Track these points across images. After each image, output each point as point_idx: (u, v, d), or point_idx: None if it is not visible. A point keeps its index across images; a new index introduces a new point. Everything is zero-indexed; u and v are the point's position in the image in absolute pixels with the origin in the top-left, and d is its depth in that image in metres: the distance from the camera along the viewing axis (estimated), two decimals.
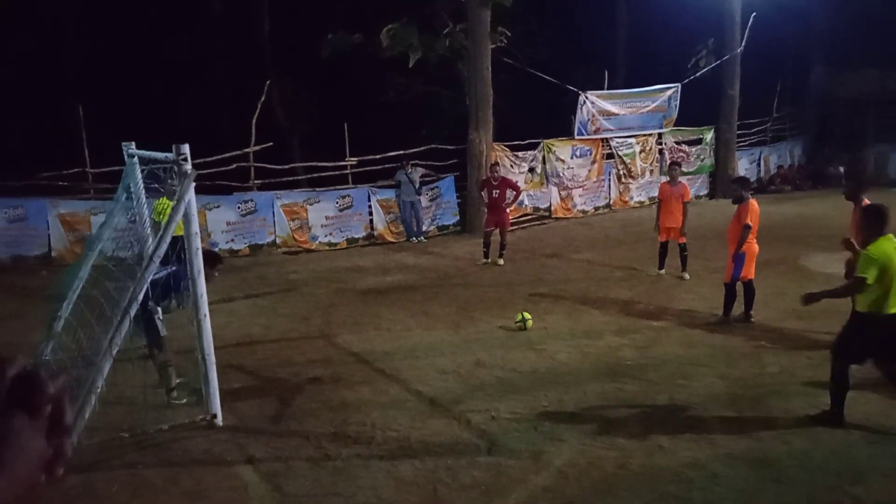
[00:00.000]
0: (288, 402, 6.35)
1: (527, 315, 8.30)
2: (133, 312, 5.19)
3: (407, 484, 4.77)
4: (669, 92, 18.09)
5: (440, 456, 5.14)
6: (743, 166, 20.76)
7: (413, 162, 15.09)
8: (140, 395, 5.87)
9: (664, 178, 18.68)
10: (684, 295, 9.60)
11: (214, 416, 5.79)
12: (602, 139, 17.44)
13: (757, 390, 5.94)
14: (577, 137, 16.96)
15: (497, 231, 12.18)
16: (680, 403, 5.97)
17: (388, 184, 15.12)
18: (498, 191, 12.25)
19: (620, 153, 17.77)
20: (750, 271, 8.22)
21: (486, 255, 12.26)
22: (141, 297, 5.34)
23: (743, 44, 18.75)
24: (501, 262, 12.09)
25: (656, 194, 18.61)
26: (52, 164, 13.17)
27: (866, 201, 6.79)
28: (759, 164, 21.77)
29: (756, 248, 8.28)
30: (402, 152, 15.13)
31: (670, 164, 12.66)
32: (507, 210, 12.61)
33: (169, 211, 7.64)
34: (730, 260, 8.24)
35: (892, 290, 5.20)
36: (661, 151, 18.65)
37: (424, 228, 15.28)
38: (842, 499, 4.40)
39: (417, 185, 14.81)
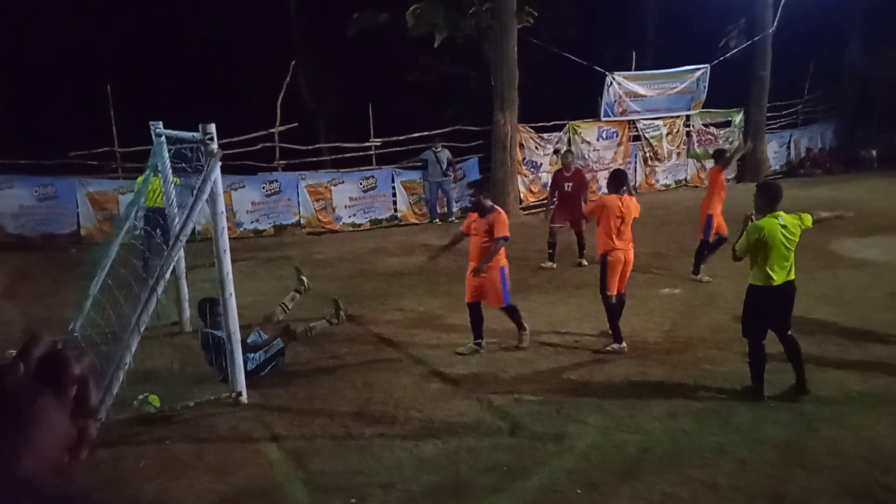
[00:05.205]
0: (312, 381, 6.40)
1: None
2: (160, 290, 5.24)
3: (429, 464, 4.79)
4: (698, 73, 17.76)
5: (463, 437, 5.15)
6: (772, 149, 20.40)
7: (442, 143, 15.02)
8: (167, 372, 5.96)
9: (691, 161, 18.64)
10: (710, 279, 9.48)
11: (240, 393, 5.85)
12: (629, 121, 17.23)
13: (783, 376, 5.84)
14: (603, 119, 16.78)
15: (569, 228, 10.59)
16: (705, 387, 5.91)
17: (413, 164, 15.08)
18: (571, 184, 10.58)
19: (647, 135, 17.55)
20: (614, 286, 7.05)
21: (552, 258, 10.43)
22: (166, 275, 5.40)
23: (775, 23, 18.30)
24: (585, 262, 10.37)
25: (683, 177, 18.57)
26: (82, 143, 13.34)
27: None
28: (789, 148, 21.35)
29: (622, 256, 7.00)
30: (426, 133, 15.07)
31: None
32: (582, 205, 10.20)
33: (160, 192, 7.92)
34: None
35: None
36: (688, 134, 18.39)
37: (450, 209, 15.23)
38: (873, 487, 4.33)
39: (444, 167, 14.75)
